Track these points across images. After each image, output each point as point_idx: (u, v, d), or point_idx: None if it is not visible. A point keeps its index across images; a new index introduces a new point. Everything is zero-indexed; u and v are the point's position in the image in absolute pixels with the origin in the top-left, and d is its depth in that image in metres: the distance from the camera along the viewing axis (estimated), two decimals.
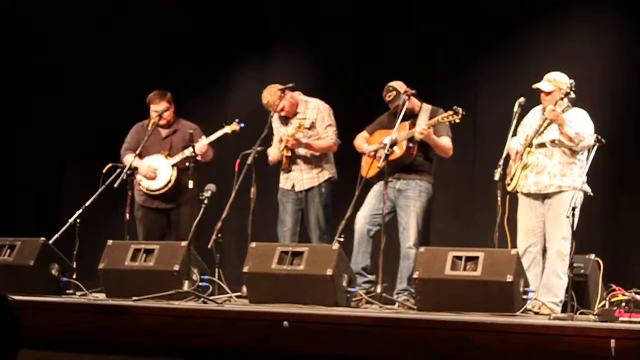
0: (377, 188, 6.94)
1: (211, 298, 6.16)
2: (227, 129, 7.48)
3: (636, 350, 4.45)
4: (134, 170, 7.26)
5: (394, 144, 6.76)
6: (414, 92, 6.90)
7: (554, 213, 6.23)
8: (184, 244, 6.44)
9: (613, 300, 5.49)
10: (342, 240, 6.34)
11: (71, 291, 6.61)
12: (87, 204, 6.94)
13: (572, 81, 6.30)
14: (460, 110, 6.69)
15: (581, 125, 6.27)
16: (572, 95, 6.32)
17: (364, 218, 6.89)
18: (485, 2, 8.61)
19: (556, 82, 6.35)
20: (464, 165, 8.51)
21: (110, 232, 7.72)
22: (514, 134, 6.47)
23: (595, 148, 6.05)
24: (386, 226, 6.64)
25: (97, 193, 6.97)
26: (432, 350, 4.87)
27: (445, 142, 6.92)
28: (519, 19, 8.44)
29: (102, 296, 6.48)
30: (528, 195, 6.39)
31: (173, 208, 7.57)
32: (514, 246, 6.25)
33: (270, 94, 7.35)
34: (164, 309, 5.65)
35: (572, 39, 8.25)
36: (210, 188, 6.62)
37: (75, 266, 6.75)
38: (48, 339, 5.46)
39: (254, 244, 6.29)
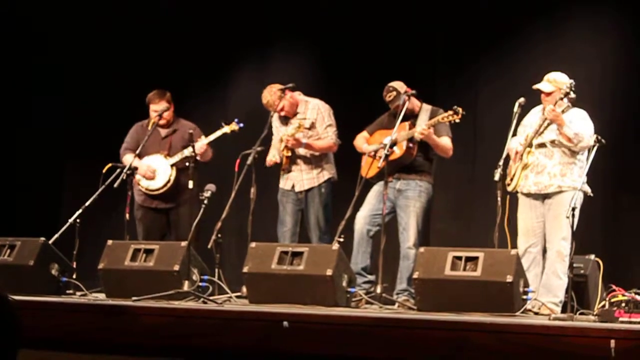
0: (377, 188, 6.93)
1: (211, 298, 6.16)
2: (226, 129, 7.49)
3: (636, 350, 4.45)
4: (133, 170, 7.27)
5: (393, 143, 6.76)
6: (413, 92, 6.90)
7: (553, 213, 6.23)
8: (184, 243, 6.44)
9: (613, 300, 5.49)
10: (341, 240, 6.34)
11: (71, 291, 6.61)
12: (87, 203, 6.94)
13: (571, 81, 6.30)
14: (460, 110, 6.69)
15: (580, 125, 6.27)
16: (572, 95, 6.32)
17: (364, 218, 6.88)
18: (485, 2, 8.61)
19: (556, 82, 6.35)
20: (464, 165, 8.50)
21: (110, 232, 7.72)
22: (514, 134, 6.47)
23: (595, 148, 6.04)
24: (386, 226, 6.64)
25: (97, 193, 6.97)
26: (432, 350, 4.87)
27: (445, 141, 6.91)
28: (519, 19, 8.44)
29: (102, 296, 6.47)
30: (528, 195, 6.39)
31: (172, 208, 7.57)
32: (514, 246, 6.25)
33: (270, 94, 7.35)
34: (163, 309, 5.64)
35: (572, 39, 8.25)
36: (210, 188, 6.62)
37: (75, 266, 6.75)
38: (48, 338, 5.46)
39: (253, 244, 6.29)
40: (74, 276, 6.67)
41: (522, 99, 6.43)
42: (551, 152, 6.33)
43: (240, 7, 9.57)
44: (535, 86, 6.40)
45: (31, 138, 10.16)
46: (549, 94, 6.35)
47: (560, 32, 8.31)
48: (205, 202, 6.55)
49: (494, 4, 8.54)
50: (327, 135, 7.38)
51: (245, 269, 6.16)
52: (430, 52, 8.91)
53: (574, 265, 5.79)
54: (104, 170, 7.11)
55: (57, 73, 10.18)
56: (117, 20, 9.88)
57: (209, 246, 6.67)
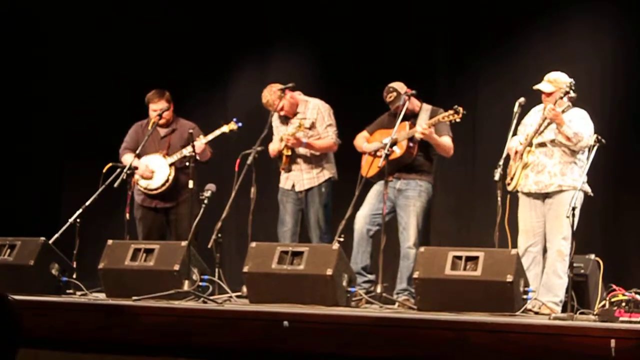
0: (377, 187, 6.94)
1: (211, 297, 6.16)
2: (225, 128, 7.49)
3: (636, 350, 4.45)
4: (133, 170, 7.27)
5: (394, 143, 6.76)
6: (414, 92, 6.90)
7: (554, 213, 6.23)
8: (184, 243, 6.44)
9: (613, 300, 5.49)
10: (341, 239, 6.34)
11: (71, 291, 6.61)
12: (87, 203, 6.93)
13: (572, 80, 6.30)
14: (461, 109, 6.69)
15: (580, 125, 6.27)
16: (572, 94, 6.32)
17: (364, 217, 6.88)
18: (485, 2, 8.61)
19: (556, 82, 6.34)
20: (464, 165, 8.51)
21: (110, 231, 7.72)
22: (514, 134, 6.47)
23: (595, 148, 6.04)
24: (386, 226, 6.64)
25: (97, 193, 6.97)
26: (432, 349, 4.87)
27: (446, 141, 6.91)
28: (519, 19, 8.44)
29: (102, 296, 6.47)
30: (528, 194, 6.39)
31: (171, 207, 7.57)
32: (514, 246, 6.25)
33: (270, 93, 7.35)
34: (163, 309, 5.64)
35: (572, 39, 8.24)
36: (210, 188, 6.62)
37: (75, 266, 6.75)
38: (48, 338, 5.46)
39: (253, 244, 6.29)
40: (74, 276, 6.67)
41: (522, 99, 6.43)
42: (551, 151, 6.33)
43: (240, 7, 9.57)
44: (536, 87, 6.40)
45: (31, 138, 10.15)
46: (549, 94, 6.34)
47: (560, 32, 8.30)
48: (205, 201, 6.55)
49: (494, 4, 8.54)
50: (327, 135, 7.38)
51: (245, 269, 6.16)
52: (430, 52, 8.91)
53: (574, 264, 5.78)
54: (104, 170, 7.10)
55: (57, 73, 10.18)
56: (117, 20, 9.88)
57: (209, 246, 6.67)
